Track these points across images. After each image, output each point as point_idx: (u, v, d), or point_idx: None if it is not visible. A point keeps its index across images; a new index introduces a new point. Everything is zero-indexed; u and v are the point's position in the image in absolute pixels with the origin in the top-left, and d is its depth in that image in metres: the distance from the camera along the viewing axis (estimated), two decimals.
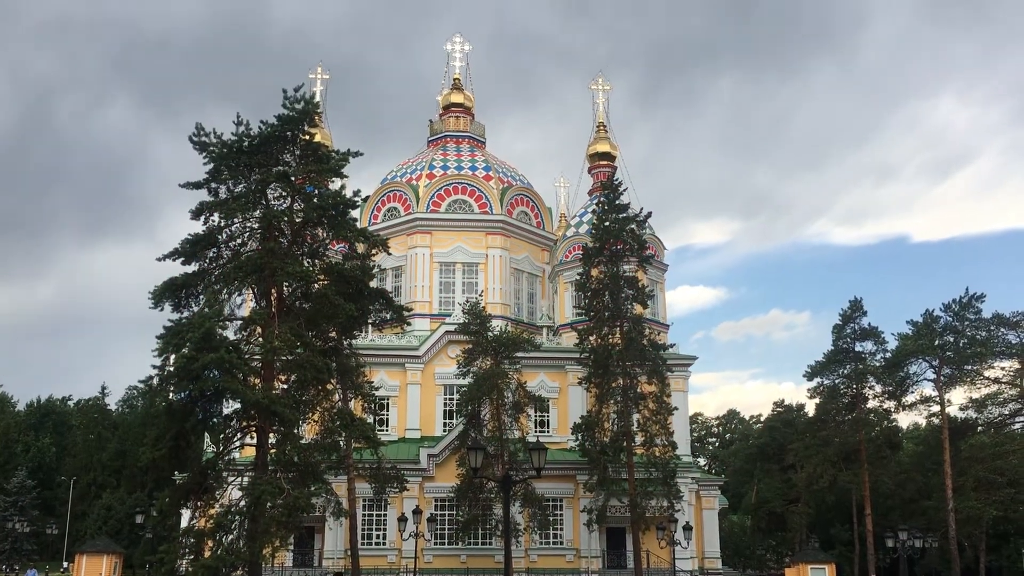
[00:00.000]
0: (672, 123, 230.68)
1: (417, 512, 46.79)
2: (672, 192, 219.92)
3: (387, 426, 55.35)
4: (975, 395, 69.57)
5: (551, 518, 50.28)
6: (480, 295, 59.86)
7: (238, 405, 31.48)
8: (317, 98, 60.88)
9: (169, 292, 32.31)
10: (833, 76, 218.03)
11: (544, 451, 25.60)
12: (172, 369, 29.89)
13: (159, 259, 32.41)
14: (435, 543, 50.78)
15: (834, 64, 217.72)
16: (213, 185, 33.14)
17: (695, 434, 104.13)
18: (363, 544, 49.09)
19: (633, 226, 51.40)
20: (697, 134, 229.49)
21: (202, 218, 32.79)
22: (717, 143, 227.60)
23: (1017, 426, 71.04)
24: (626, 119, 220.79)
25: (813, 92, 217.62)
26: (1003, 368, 69.16)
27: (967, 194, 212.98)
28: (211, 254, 33.25)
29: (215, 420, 32.84)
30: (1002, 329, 68.52)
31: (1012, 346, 68.24)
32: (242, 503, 29.91)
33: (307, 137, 34.20)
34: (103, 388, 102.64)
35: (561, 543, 52.72)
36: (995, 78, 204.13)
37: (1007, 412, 70.42)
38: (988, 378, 68.81)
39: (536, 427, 54.93)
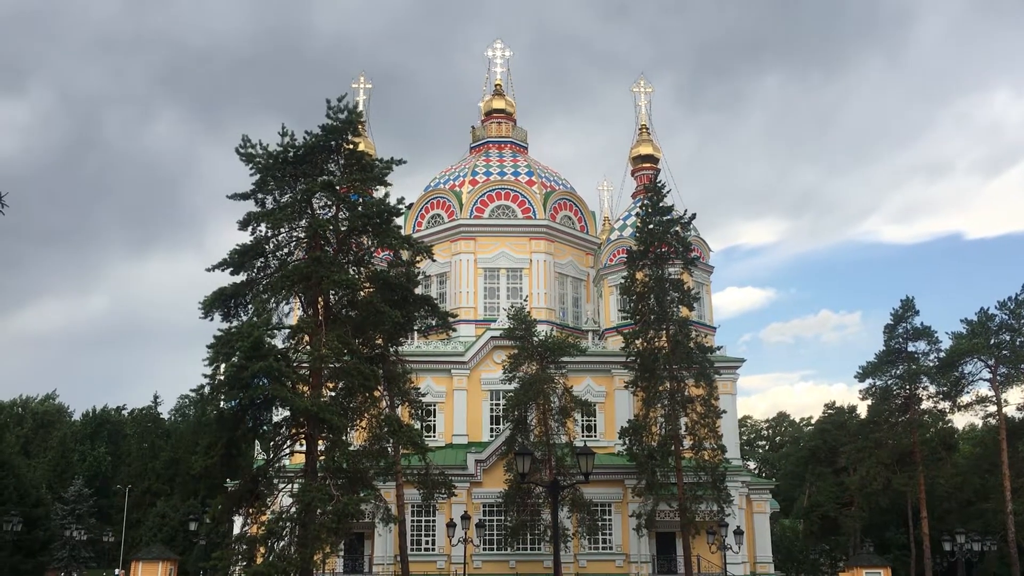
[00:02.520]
0: (716, 123, 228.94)
1: (466, 518, 46.85)
2: (718, 193, 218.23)
3: (434, 432, 55.51)
4: None
5: (600, 523, 50.01)
6: (525, 300, 59.89)
7: (287, 413, 31.84)
8: (360, 107, 61.85)
9: (218, 302, 32.78)
10: (881, 72, 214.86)
11: (592, 456, 25.47)
12: (222, 378, 30.31)
13: (208, 270, 32.98)
14: (484, 549, 50.80)
15: (882, 60, 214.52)
16: (259, 196, 33.59)
17: (744, 437, 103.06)
18: (412, 550, 49.23)
19: (677, 228, 51.04)
20: (742, 133, 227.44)
21: (249, 228, 33.24)
22: (763, 142, 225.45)
23: None
24: (670, 120, 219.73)
25: (860, 89, 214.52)
26: None
27: (1023, 189, 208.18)
28: (259, 264, 33.70)
29: (265, 428, 33.25)
30: None
31: None
32: (292, 510, 30.22)
33: (351, 146, 34.53)
34: (155, 397, 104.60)
35: (610, 548, 52.42)
36: None
37: None
38: None
39: (583, 432, 54.73)
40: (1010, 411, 67.76)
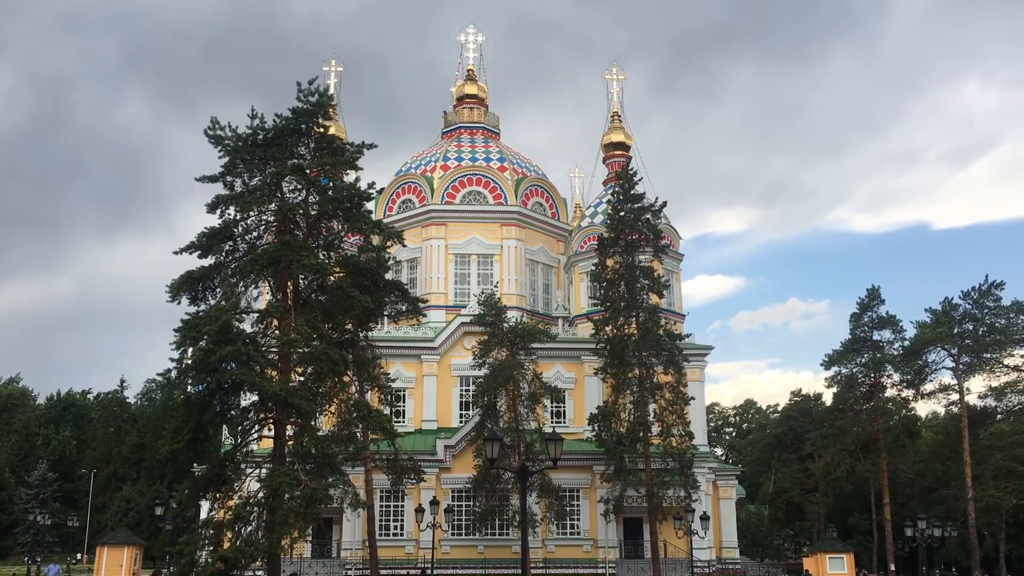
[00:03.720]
0: (689, 111, 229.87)
1: (434, 503, 46.93)
2: (689, 181, 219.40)
3: (403, 418, 55.52)
4: (994, 383, 69.18)
5: (568, 508, 50.32)
6: (495, 286, 59.91)
7: (255, 397, 31.68)
8: (331, 90, 61.42)
9: (186, 285, 32.48)
10: (853, 62, 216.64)
11: (560, 442, 25.57)
12: (190, 362, 30.09)
13: (176, 253, 32.58)
14: (452, 534, 50.92)
15: (854, 49, 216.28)
16: (229, 179, 33.26)
17: (712, 424, 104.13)
18: (381, 535, 49.31)
19: (648, 216, 51.23)
20: (714, 122, 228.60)
21: (218, 211, 32.93)
22: (735, 131, 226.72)
23: None
24: (643, 108, 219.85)
25: (832, 78, 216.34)
26: (1023, 356, 68.72)
27: (990, 180, 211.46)
28: (227, 247, 33.38)
29: (233, 412, 33.08)
30: (1021, 317, 68.00)
31: None
32: (260, 495, 30.09)
33: (321, 130, 34.28)
34: (122, 382, 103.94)
35: (578, 533, 52.79)
36: (1019, 62, 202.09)
37: None
38: (1007, 366, 68.36)
39: (552, 418, 54.97)
40: (972, 399, 68.97)
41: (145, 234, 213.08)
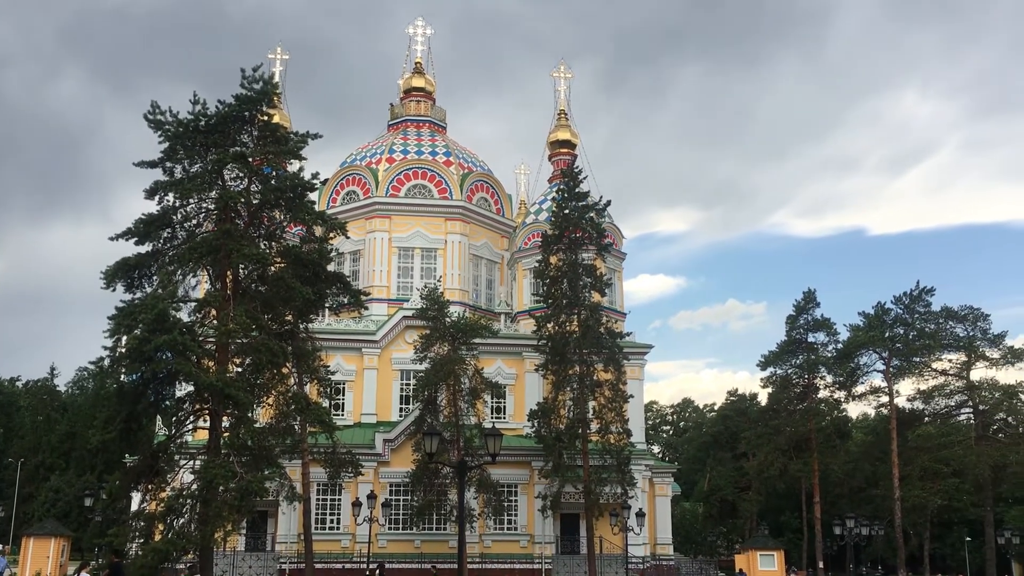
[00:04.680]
0: (636, 111, 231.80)
1: (372, 497, 46.72)
2: (634, 181, 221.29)
3: (343, 411, 55.13)
4: (923, 386, 71.23)
5: (506, 504, 50.48)
6: (438, 281, 59.78)
7: (191, 388, 31.12)
8: (276, 79, 60.39)
9: (122, 272, 31.79)
10: (797, 68, 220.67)
11: (500, 437, 25.69)
12: (124, 350, 29.46)
13: (112, 238, 31.83)
14: (389, 528, 50.77)
15: (799, 56, 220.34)
16: (168, 164, 32.59)
17: (650, 422, 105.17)
18: (317, 528, 48.94)
19: (592, 214, 51.60)
20: (661, 123, 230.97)
21: (156, 197, 32.22)
22: (680, 132, 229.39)
23: (962, 417, 72.89)
24: (590, 106, 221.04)
25: (777, 84, 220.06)
26: (950, 360, 70.89)
27: (925, 188, 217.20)
28: (165, 234, 32.73)
29: (167, 403, 32.50)
30: (950, 322, 70.17)
31: (959, 339, 69.92)
32: (194, 487, 29.61)
33: (265, 118, 33.79)
34: (52, 369, 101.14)
35: (515, 529, 53.01)
36: (956, 73, 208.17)
37: (953, 403, 72.22)
38: (935, 370, 70.45)
39: (492, 413, 55.10)
40: (901, 402, 70.97)
41: (79, 218, 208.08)
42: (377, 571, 45.47)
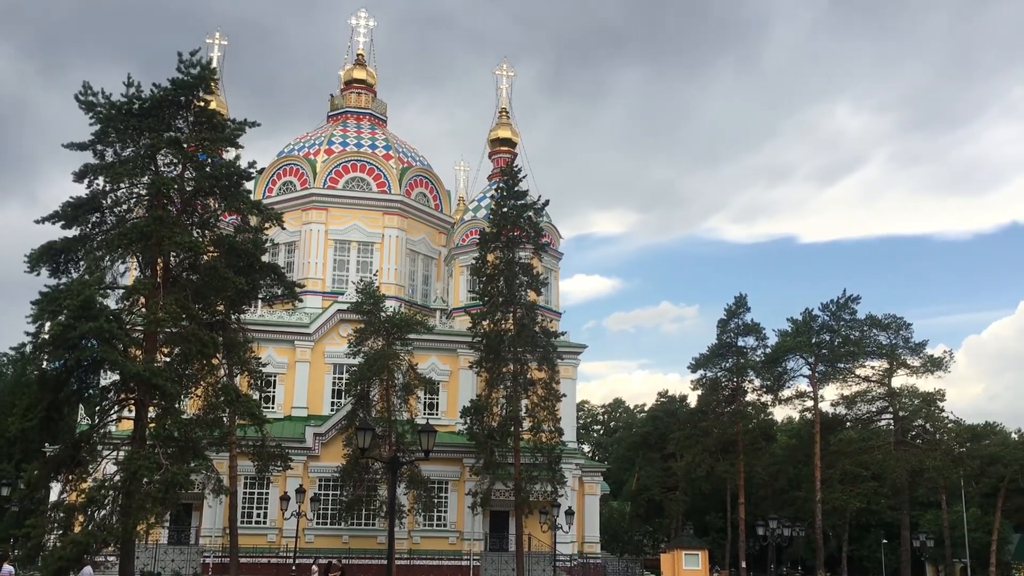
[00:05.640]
0: (576, 113, 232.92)
1: (300, 491, 46.22)
2: (573, 181, 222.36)
3: (273, 403, 54.42)
4: (846, 392, 73.09)
5: (436, 500, 50.46)
6: (375, 275, 59.44)
7: (117, 377, 30.44)
8: (214, 64, 59.51)
9: (47, 256, 30.98)
10: (735, 77, 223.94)
11: (433, 434, 25.65)
12: (47, 337, 28.67)
13: (37, 221, 30.99)
14: (317, 523, 50.28)
15: (737, 65, 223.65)
16: (99, 147, 31.86)
17: (581, 421, 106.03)
18: (243, 522, 48.23)
19: (531, 213, 51.80)
20: (600, 126, 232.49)
21: (86, 181, 31.53)
22: (620, 135, 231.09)
23: (882, 423, 75.07)
24: (531, 106, 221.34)
25: (715, 91, 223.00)
26: (873, 367, 72.86)
27: (853, 199, 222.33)
28: (94, 219, 31.99)
29: (91, 391, 31.72)
30: (874, 330, 72.12)
31: (882, 347, 71.90)
32: (117, 478, 28.98)
33: (202, 104, 33.23)
34: None
35: (445, 525, 52.97)
36: (887, 87, 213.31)
37: (874, 409, 74.28)
38: (859, 376, 72.34)
39: (425, 409, 54.99)
40: (825, 406, 72.72)
41: (3, 199, 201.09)
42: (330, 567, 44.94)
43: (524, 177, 53.01)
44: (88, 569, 28.92)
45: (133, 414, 30.97)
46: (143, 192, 32.43)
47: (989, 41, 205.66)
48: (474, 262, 52.88)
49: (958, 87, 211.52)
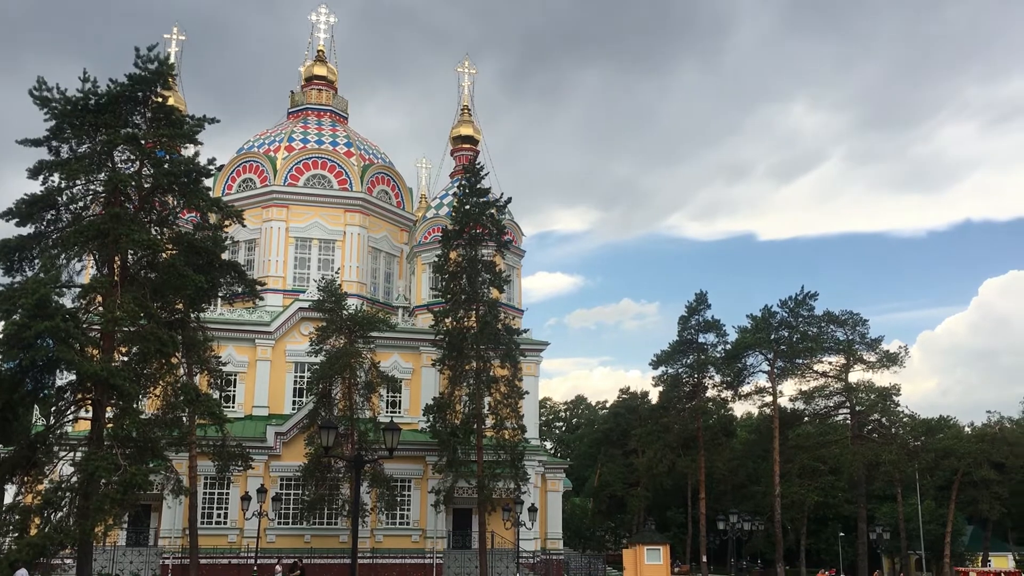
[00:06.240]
0: (538, 110, 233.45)
1: (262, 491, 45.84)
2: (535, 179, 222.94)
3: (234, 403, 53.90)
4: (804, 387, 74.10)
5: (399, 499, 50.31)
6: (336, 273, 59.09)
7: (73, 377, 29.98)
8: (172, 59, 58.51)
9: (1, 254, 30.44)
10: (695, 75, 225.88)
11: (398, 432, 25.60)
12: (1, 336, 28.16)
13: None
14: (279, 523, 49.87)
15: (697, 63, 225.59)
16: (54, 143, 31.35)
17: (543, 418, 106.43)
18: (203, 523, 47.75)
19: (493, 211, 51.82)
20: (562, 123, 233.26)
21: (41, 178, 30.98)
22: (582, 133, 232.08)
23: (839, 418, 76.18)
24: (493, 104, 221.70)
25: (676, 89, 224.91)
26: (830, 363, 73.98)
27: (810, 197, 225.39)
28: (49, 216, 31.48)
29: (47, 392, 31.18)
30: (831, 326, 73.20)
31: (839, 342, 73.03)
32: (74, 479, 28.55)
33: (160, 100, 32.78)
34: None
35: (408, 523, 52.86)
36: (844, 87, 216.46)
37: (831, 404, 75.37)
38: (816, 372, 73.41)
39: (388, 408, 54.81)
40: (783, 402, 73.65)
41: None
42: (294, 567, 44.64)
43: (486, 175, 53.04)
44: (23, 571, 28.38)
45: (90, 414, 30.52)
46: (100, 189, 31.96)
47: (943, 41, 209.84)
48: (436, 260, 52.80)
49: (913, 86, 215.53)
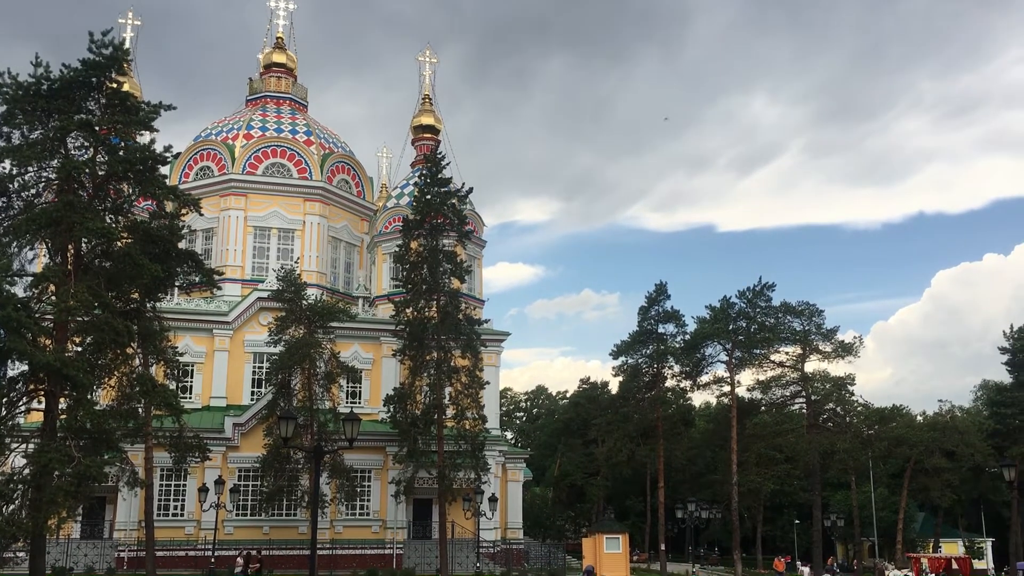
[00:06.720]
0: (500, 100, 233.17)
1: (220, 482, 45.45)
2: (497, 169, 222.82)
3: (191, 394, 53.35)
4: (761, 377, 74.73)
5: (359, 489, 50.17)
6: (296, 262, 58.68)
7: (25, 367, 29.41)
8: (127, 45, 57.68)
9: None
10: (657, 66, 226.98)
11: (358, 422, 25.48)
12: None
13: None
14: (237, 514, 49.52)
15: (659, 55, 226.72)
16: (5, 129, 30.67)
17: (504, 408, 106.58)
18: (160, 515, 47.29)
19: (454, 201, 51.72)
20: (524, 113, 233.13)
21: None
22: (544, 123, 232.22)
23: (795, 407, 77.10)
24: (455, 93, 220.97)
25: (637, 80, 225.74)
26: (787, 353, 74.69)
27: (769, 189, 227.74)
28: (0, 204, 30.82)
29: None
30: (788, 317, 73.91)
31: (796, 333, 73.77)
32: (26, 471, 28.05)
33: (114, 86, 32.17)
34: None
35: (368, 514, 52.73)
36: (802, 80, 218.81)
37: (788, 394, 76.16)
38: (773, 362, 74.12)
39: (348, 398, 54.61)
40: (741, 391, 74.30)
41: None
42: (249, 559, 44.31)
43: (448, 164, 52.90)
44: None
45: (43, 405, 30.02)
46: (52, 176, 31.36)
47: (898, 35, 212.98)
48: (397, 250, 52.59)
49: (869, 80, 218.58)
